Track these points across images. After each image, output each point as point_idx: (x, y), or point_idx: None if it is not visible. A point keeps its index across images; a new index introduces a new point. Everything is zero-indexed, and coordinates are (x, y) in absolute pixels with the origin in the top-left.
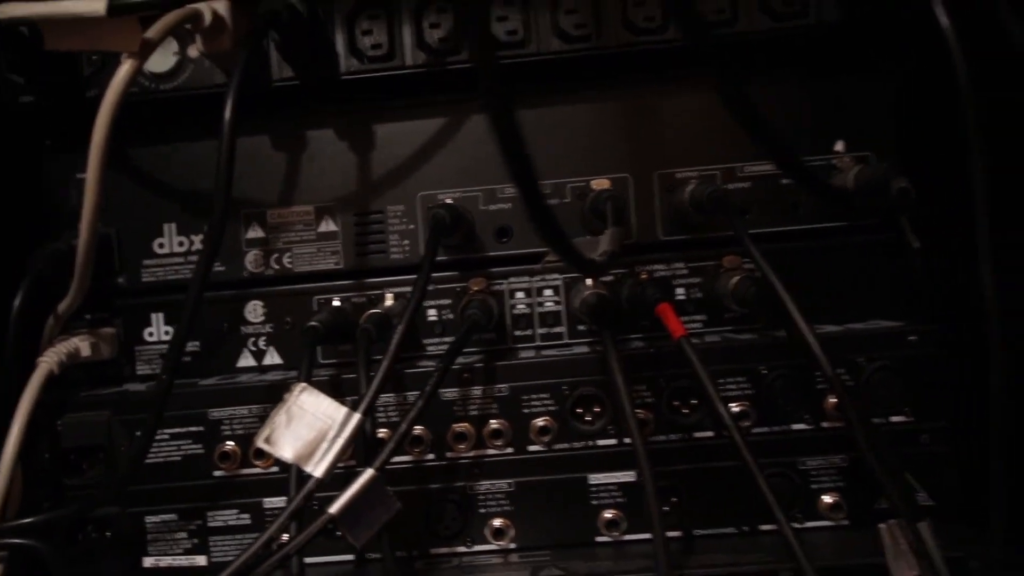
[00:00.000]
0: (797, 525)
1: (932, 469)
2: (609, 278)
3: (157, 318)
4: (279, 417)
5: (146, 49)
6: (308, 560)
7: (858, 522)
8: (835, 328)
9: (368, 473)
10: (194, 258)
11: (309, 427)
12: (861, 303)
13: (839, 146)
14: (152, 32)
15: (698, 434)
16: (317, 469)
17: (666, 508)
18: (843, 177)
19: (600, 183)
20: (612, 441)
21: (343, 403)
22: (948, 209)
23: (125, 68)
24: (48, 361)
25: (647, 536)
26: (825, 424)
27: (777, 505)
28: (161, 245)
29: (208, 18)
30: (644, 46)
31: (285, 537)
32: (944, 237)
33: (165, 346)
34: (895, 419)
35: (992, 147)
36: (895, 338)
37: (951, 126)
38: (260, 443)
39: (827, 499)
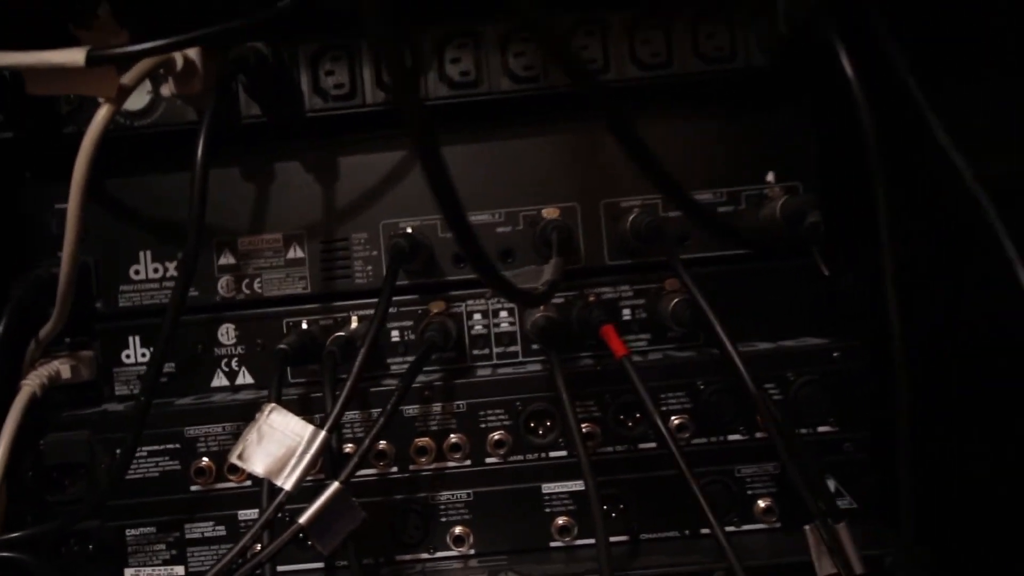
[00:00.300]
0: (734, 528)
1: (855, 475)
2: (560, 300)
3: (134, 341)
4: (251, 435)
5: (122, 94)
6: (280, 568)
7: (789, 525)
8: (768, 345)
9: (334, 486)
10: (168, 284)
11: (279, 444)
12: (793, 322)
13: (770, 176)
14: (128, 78)
15: (642, 445)
16: (287, 483)
17: (613, 514)
18: (772, 206)
19: (550, 212)
20: (563, 453)
21: (311, 421)
22: (864, 233)
23: (103, 112)
24: (31, 384)
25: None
26: (758, 435)
27: (712, 510)
28: (137, 272)
29: (180, 64)
30: (584, 86)
31: (258, 547)
32: (863, 259)
33: (142, 367)
34: (821, 429)
35: (893, 179)
36: (821, 354)
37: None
38: (234, 459)
39: (761, 504)
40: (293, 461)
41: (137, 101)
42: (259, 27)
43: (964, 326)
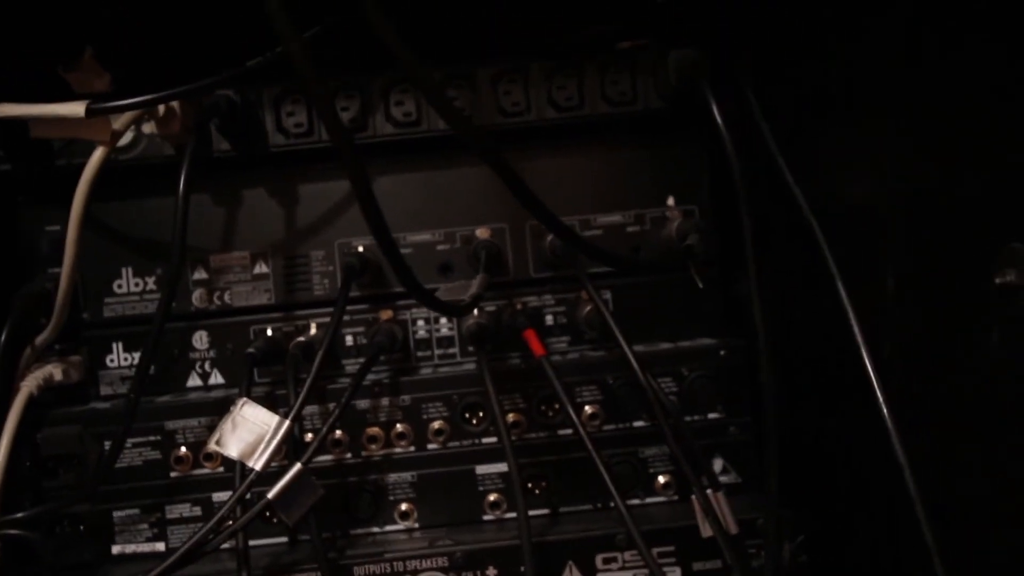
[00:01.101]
0: (638, 501)
1: (738, 453)
2: (491, 308)
3: (117, 346)
4: (226, 425)
5: (115, 138)
6: (250, 543)
7: (685, 497)
8: (668, 346)
9: (297, 466)
10: (148, 296)
11: (250, 432)
12: (692, 325)
13: (671, 201)
14: (119, 124)
15: (561, 432)
16: (257, 463)
17: (536, 491)
18: (671, 226)
19: (483, 232)
20: (494, 439)
21: (277, 412)
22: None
23: (98, 154)
24: (28, 385)
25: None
26: (657, 421)
27: (617, 485)
28: (120, 285)
29: (162, 110)
30: (510, 125)
31: (230, 523)
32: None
33: (124, 370)
34: (711, 416)
35: (760, 209)
36: (711, 352)
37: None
38: (212, 446)
39: (661, 480)
40: (262, 446)
41: (123, 138)
42: (232, 80)
43: (818, 327)
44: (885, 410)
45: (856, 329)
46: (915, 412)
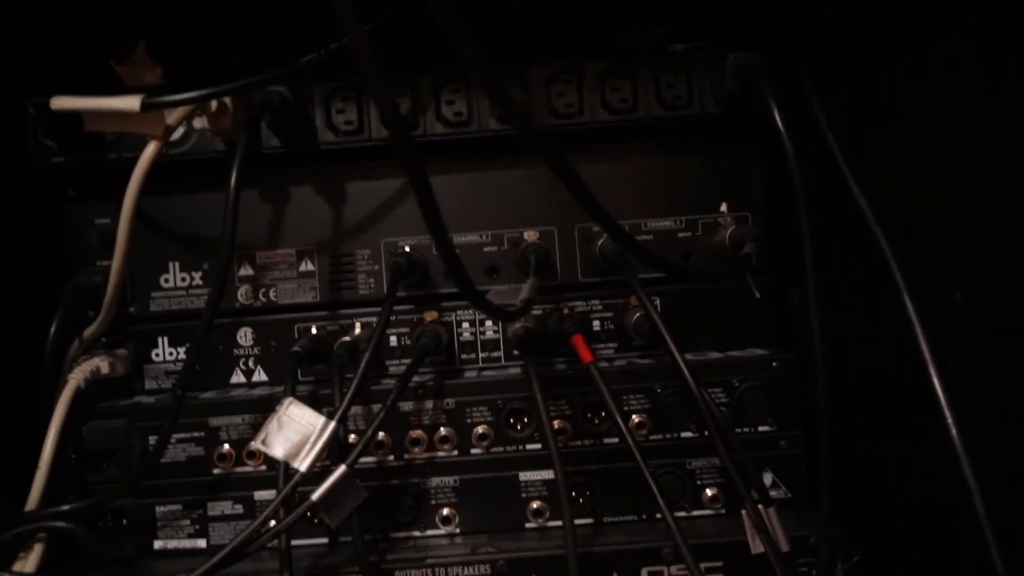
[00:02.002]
0: (685, 513)
1: (788, 468)
2: (538, 312)
3: (163, 341)
4: (272, 424)
5: (167, 133)
6: (292, 542)
7: (733, 511)
8: (718, 355)
9: (342, 469)
10: (195, 291)
11: (296, 432)
12: (742, 334)
13: (723, 207)
14: (172, 119)
15: (607, 440)
16: (302, 465)
17: (580, 500)
18: (723, 233)
19: (531, 234)
20: (538, 446)
21: (321, 413)
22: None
23: (151, 149)
24: (76, 378)
25: None
26: (707, 432)
27: (664, 497)
28: (166, 280)
29: (214, 106)
30: (562, 127)
31: (272, 523)
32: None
33: (170, 365)
34: (761, 428)
35: (818, 219)
36: (762, 363)
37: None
38: (257, 444)
39: (708, 492)
40: (308, 447)
41: (174, 133)
42: (285, 77)
43: (877, 340)
44: (954, 431)
45: (923, 344)
46: (982, 433)
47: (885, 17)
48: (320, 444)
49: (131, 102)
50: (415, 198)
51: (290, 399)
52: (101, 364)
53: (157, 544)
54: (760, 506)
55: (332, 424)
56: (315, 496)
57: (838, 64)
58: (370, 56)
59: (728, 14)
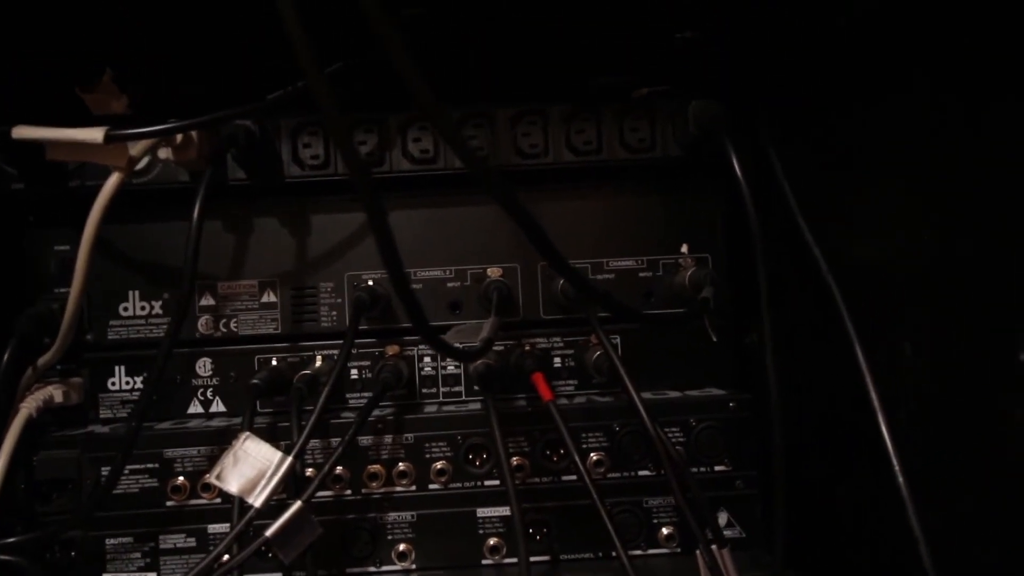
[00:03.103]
0: (640, 552)
1: (744, 508)
2: (500, 347)
3: (119, 370)
4: (227, 459)
5: (131, 164)
6: None
7: (688, 550)
8: (676, 394)
9: (297, 504)
10: (154, 320)
11: (252, 467)
12: (701, 373)
13: (684, 248)
14: (136, 151)
15: (565, 477)
16: (257, 501)
17: (538, 537)
18: (683, 274)
19: (494, 271)
20: (496, 482)
21: (278, 447)
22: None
23: (114, 180)
24: (28, 407)
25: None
26: (663, 471)
27: (617, 535)
28: (125, 308)
29: (179, 138)
30: (527, 167)
31: (226, 558)
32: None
33: (126, 394)
34: (717, 468)
35: (776, 262)
36: (719, 404)
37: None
38: (212, 479)
39: (664, 531)
40: (263, 482)
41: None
42: (251, 113)
43: (831, 384)
44: (901, 479)
45: (873, 394)
46: (931, 482)
47: (838, 72)
48: (276, 480)
49: (94, 134)
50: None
51: (247, 434)
52: (55, 392)
53: None
54: (714, 546)
55: (288, 460)
56: (269, 532)
57: (796, 113)
58: (332, 101)
59: (690, 62)
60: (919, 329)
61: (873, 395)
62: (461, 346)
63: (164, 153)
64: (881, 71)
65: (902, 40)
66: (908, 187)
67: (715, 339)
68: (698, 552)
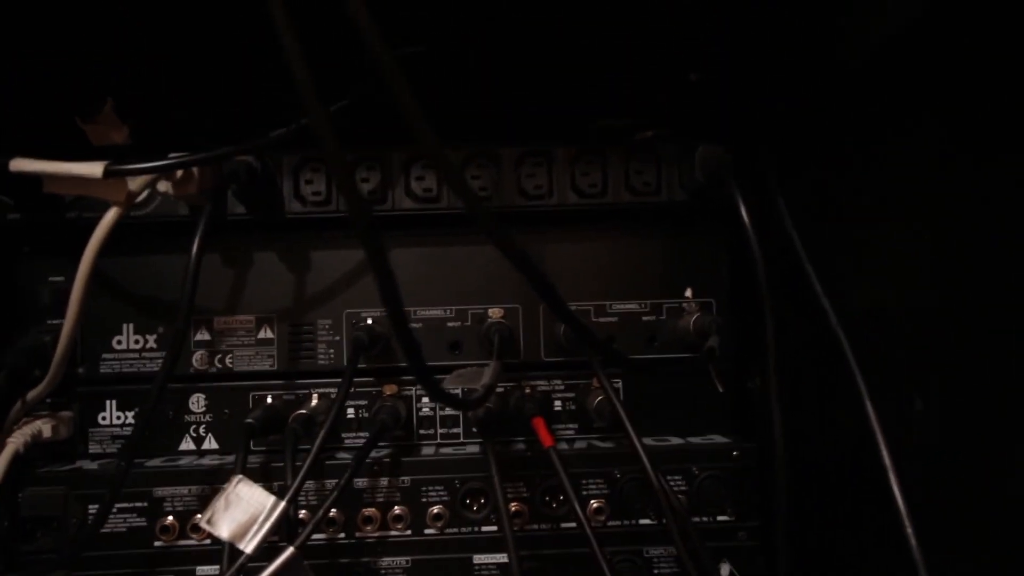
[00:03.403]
0: None
1: (747, 559)
2: (500, 390)
3: (111, 404)
4: (219, 502)
5: (130, 199)
6: None
7: None
8: (679, 440)
9: (290, 551)
10: (148, 354)
11: (244, 512)
12: (703, 419)
13: (688, 292)
14: (135, 185)
15: (564, 525)
16: (248, 547)
17: None
18: (688, 319)
19: (495, 311)
20: (494, 528)
21: (271, 489)
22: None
23: (111, 215)
24: (15, 441)
25: None
26: (665, 520)
27: None
28: (119, 342)
29: (180, 173)
30: (531, 208)
31: None
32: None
33: (116, 429)
34: (720, 518)
35: (780, 308)
36: (722, 452)
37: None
38: (203, 523)
39: None
40: (255, 527)
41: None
42: (253, 149)
43: (837, 435)
44: (913, 541)
45: (884, 450)
46: (944, 541)
47: (843, 117)
48: (268, 525)
49: (94, 169)
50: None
51: (239, 477)
52: (43, 427)
53: None
54: None
55: (282, 504)
56: None
57: (802, 158)
58: (334, 140)
59: (695, 104)
60: (928, 382)
61: (884, 451)
62: (461, 392)
63: (164, 187)
64: (888, 114)
65: (910, 82)
66: (911, 235)
67: (721, 390)
68: None
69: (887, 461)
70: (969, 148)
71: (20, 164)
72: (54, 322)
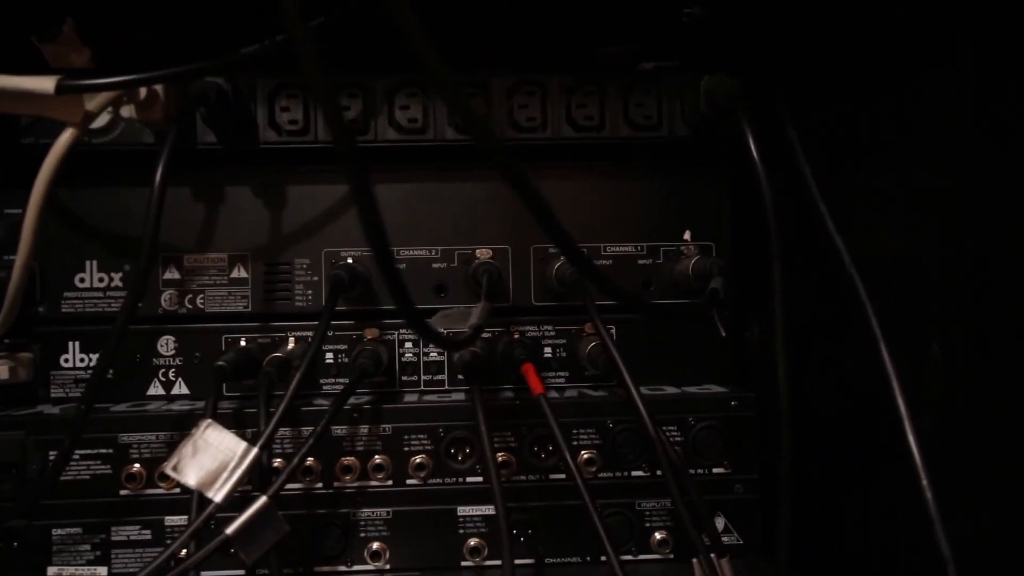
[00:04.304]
0: (631, 557)
1: (743, 513)
2: (487, 335)
3: (73, 346)
4: (186, 448)
5: (87, 120)
6: (204, 574)
7: (682, 556)
8: (674, 390)
9: (262, 500)
10: (112, 293)
11: (212, 458)
12: (699, 368)
13: (687, 235)
14: (92, 105)
15: (553, 476)
16: (218, 495)
17: (522, 538)
18: (686, 263)
19: (483, 252)
20: (479, 479)
21: (243, 435)
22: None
23: (66, 136)
24: None
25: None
26: (659, 472)
27: (611, 539)
28: (82, 280)
29: (143, 94)
30: (523, 141)
31: (184, 552)
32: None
33: (79, 371)
34: (716, 470)
35: (793, 247)
36: (719, 402)
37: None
38: (168, 470)
39: (657, 536)
40: (225, 475)
41: (97, 120)
42: (224, 67)
43: (845, 384)
44: (929, 494)
45: (900, 398)
46: (955, 492)
47: (869, 49)
48: (239, 473)
49: (45, 84)
50: (360, 223)
51: (208, 421)
52: (1, 369)
53: (51, 571)
54: (713, 555)
55: (254, 451)
56: (230, 529)
57: (817, 94)
58: (313, 55)
59: (699, 37)
60: (948, 328)
61: (900, 399)
62: (448, 332)
63: (127, 111)
64: (914, 48)
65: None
66: (937, 178)
67: (724, 334)
68: (695, 561)
69: (903, 410)
70: (1011, 71)
71: None
72: (11, 257)
